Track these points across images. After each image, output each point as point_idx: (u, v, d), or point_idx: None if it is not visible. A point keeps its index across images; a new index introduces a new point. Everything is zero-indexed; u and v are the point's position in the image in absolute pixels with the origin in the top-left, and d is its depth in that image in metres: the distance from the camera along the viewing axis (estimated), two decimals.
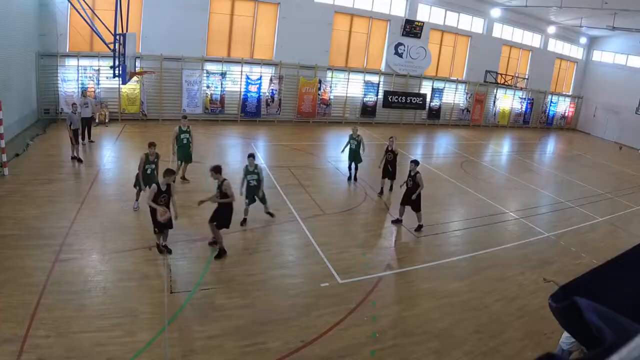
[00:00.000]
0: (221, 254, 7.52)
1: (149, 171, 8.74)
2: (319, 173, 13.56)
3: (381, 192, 11.68)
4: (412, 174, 9.33)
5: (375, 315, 6.39)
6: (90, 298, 6.03)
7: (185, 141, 10.50)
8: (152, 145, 8.78)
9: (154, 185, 7.04)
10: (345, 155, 12.79)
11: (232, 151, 15.46)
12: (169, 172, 7.08)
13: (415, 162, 9.38)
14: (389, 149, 11.25)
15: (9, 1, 12.65)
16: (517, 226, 10.90)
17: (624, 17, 20.74)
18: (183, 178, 10.83)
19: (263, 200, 8.98)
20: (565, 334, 5.16)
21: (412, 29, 22.05)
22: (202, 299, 6.33)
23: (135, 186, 8.99)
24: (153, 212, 7.03)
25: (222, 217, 7.44)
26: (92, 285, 6.32)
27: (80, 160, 11.80)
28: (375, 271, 7.71)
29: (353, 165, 12.36)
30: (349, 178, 12.60)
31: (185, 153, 10.63)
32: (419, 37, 22.37)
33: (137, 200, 9.14)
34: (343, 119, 21.67)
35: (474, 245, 9.27)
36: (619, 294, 1.14)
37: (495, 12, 23.45)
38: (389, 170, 11.39)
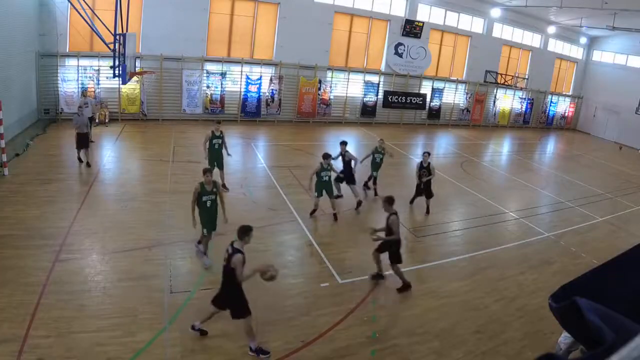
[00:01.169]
0: (405, 287, 7.10)
1: (208, 204, 7.10)
2: None
3: (412, 201, 10.92)
4: (346, 159, 10.43)
5: (375, 315, 6.39)
6: (90, 298, 6.03)
7: (217, 146, 10.24)
8: (207, 172, 7.14)
9: (239, 255, 5.02)
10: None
11: (232, 151, 15.42)
12: (248, 230, 5.24)
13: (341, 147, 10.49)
14: (424, 164, 10.45)
15: (9, 1, 12.66)
16: (517, 226, 10.89)
17: (624, 17, 20.73)
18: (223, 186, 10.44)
19: (331, 195, 9.66)
20: (564, 334, 5.16)
21: (412, 29, 22.05)
22: (202, 299, 6.31)
23: (204, 228, 7.17)
24: (240, 292, 5.22)
25: (392, 251, 7.01)
26: (92, 285, 6.32)
27: (84, 162, 11.42)
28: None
29: (373, 178, 11.41)
30: (365, 185, 11.69)
31: (216, 159, 10.30)
32: (419, 37, 22.37)
33: (202, 247, 7.30)
34: (343, 119, 21.68)
35: (474, 245, 9.27)
36: (619, 294, 1.14)
37: (495, 12, 23.44)
38: (422, 187, 10.56)
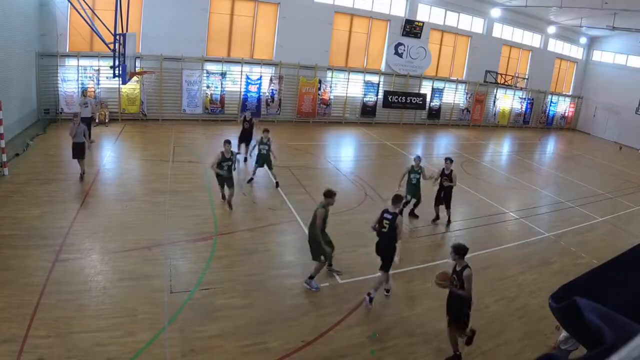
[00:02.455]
0: (471, 339, 5.74)
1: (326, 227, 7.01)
2: (319, 173, 13.56)
3: (437, 218, 10.23)
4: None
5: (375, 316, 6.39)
6: (90, 298, 6.03)
7: (225, 168, 9.37)
8: (334, 195, 6.88)
9: (400, 217, 6.35)
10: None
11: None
12: (400, 198, 6.68)
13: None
14: (445, 172, 9.81)
15: (9, 1, 12.65)
16: (517, 226, 10.89)
17: (624, 17, 20.73)
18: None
19: (270, 167, 11.15)
20: (564, 334, 5.16)
21: (412, 29, 22.05)
22: (202, 299, 6.33)
23: (323, 255, 6.87)
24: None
25: (458, 312, 5.52)
26: (92, 285, 6.32)
27: (84, 176, 10.54)
28: (376, 271, 7.67)
29: (413, 201, 10.27)
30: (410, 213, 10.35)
31: (226, 180, 9.53)
32: (419, 37, 22.37)
33: (332, 269, 7.38)
34: (343, 119, 21.67)
35: (474, 245, 9.19)
36: (618, 294, 1.13)
37: (495, 12, 23.45)
38: (442, 197, 9.96)
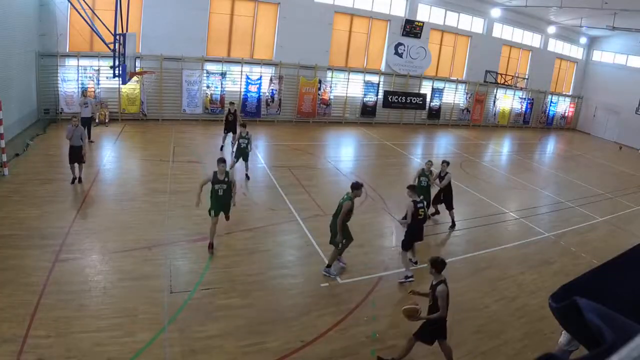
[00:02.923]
0: None
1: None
2: (319, 173, 13.56)
3: (436, 212, 10.45)
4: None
5: (375, 315, 6.40)
6: (90, 298, 6.03)
7: (220, 192, 7.64)
8: (361, 186, 7.31)
9: (411, 203, 7.54)
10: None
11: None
12: (414, 187, 7.91)
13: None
14: (441, 174, 9.94)
15: (9, 1, 12.65)
16: (517, 226, 10.89)
17: (624, 17, 20.73)
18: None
19: (246, 159, 11.54)
20: (565, 334, 5.16)
21: (412, 29, 22.05)
22: (202, 299, 6.33)
23: (343, 242, 7.34)
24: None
25: (430, 331, 5.33)
26: (92, 285, 6.32)
27: (79, 181, 10.18)
28: (375, 271, 7.71)
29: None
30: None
31: (222, 206, 7.84)
32: (419, 37, 22.37)
33: (342, 260, 7.72)
34: (343, 119, 21.67)
35: (474, 245, 9.26)
36: (619, 294, 1.13)
37: (495, 12, 23.44)
38: (441, 198, 10.11)
